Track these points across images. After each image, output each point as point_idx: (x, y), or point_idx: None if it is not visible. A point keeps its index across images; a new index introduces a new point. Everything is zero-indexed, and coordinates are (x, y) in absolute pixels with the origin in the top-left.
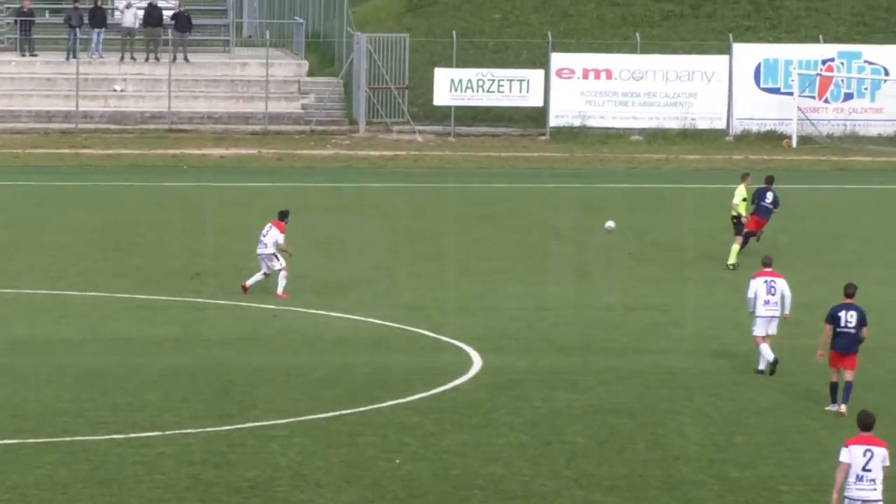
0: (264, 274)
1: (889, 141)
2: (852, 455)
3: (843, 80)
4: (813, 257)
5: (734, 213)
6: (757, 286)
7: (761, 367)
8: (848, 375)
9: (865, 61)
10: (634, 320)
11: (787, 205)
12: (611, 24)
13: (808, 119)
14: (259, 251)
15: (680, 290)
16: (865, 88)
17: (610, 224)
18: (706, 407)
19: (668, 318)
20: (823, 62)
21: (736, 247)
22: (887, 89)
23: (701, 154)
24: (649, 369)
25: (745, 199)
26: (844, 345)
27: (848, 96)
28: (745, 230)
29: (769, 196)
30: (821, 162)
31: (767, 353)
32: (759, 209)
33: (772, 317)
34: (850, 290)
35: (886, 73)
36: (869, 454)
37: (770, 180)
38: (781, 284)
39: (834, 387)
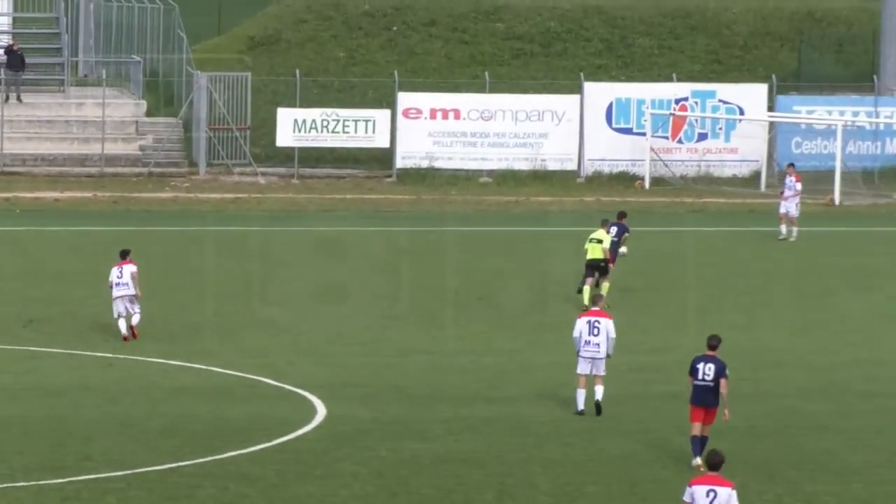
0: (126, 315)
1: (744, 182)
2: (695, 495)
3: (696, 120)
4: (666, 301)
5: (602, 257)
6: (581, 326)
7: (580, 407)
8: (706, 431)
9: (720, 100)
10: (484, 367)
11: (642, 248)
12: (459, 63)
13: (661, 160)
14: (120, 293)
15: (530, 335)
16: (720, 128)
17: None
18: (557, 456)
19: (517, 364)
20: (677, 101)
21: (587, 288)
22: (742, 129)
23: (552, 196)
24: (499, 417)
25: (600, 242)
26: (700, 398)
27: (702, 136)
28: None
29: (613, 230)
30: (675, 204)
31: (580, 399)
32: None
33: (593, 357)
34: (712, 342)
35: (741, 113)
36: (712, 494)
37: (622, 215)
38: (606, 325)
39: (694, 440)
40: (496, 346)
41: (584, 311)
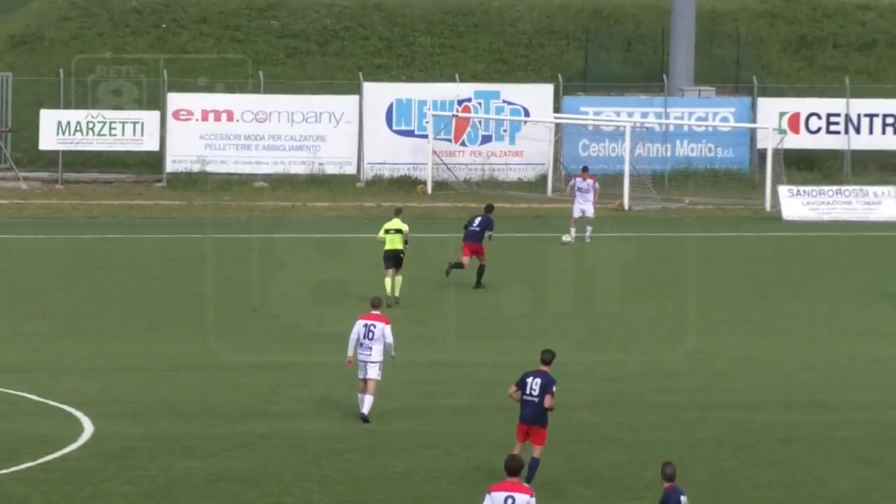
0: None
1: (530, 186)
2: (494, 501)
3: (480, 122)
4: (449, 310)
5: (402, 248)
6: (358, 328)
7: (362, 411)
8: (535, 451)
9: (504, 101)
10: (260, 381)
11: (426, 256)
12: (232, 62)
13: (444, 163)
14: None
15: (308, 346)
16: (504, 130)
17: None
18: (336, 473)
19: (296, 377)
20: (460, 103)
21: (389, 280)
22: (527, 131)
23: (330, 201)
24: (276, 433)
25: (399, 231)
26: (524, 414)
27: (486, 139)
28: (458, 260)
29: (476, 221)
30: (458, 209)
31: (362, 404)
32: (469, 234)
33: (366, 361)
34: (545, 357)
35: (527, 114)
36: (510, 501)
37: (489, 209)
38: (381, 329)
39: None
40: (273, 359)
41: (366, 313)
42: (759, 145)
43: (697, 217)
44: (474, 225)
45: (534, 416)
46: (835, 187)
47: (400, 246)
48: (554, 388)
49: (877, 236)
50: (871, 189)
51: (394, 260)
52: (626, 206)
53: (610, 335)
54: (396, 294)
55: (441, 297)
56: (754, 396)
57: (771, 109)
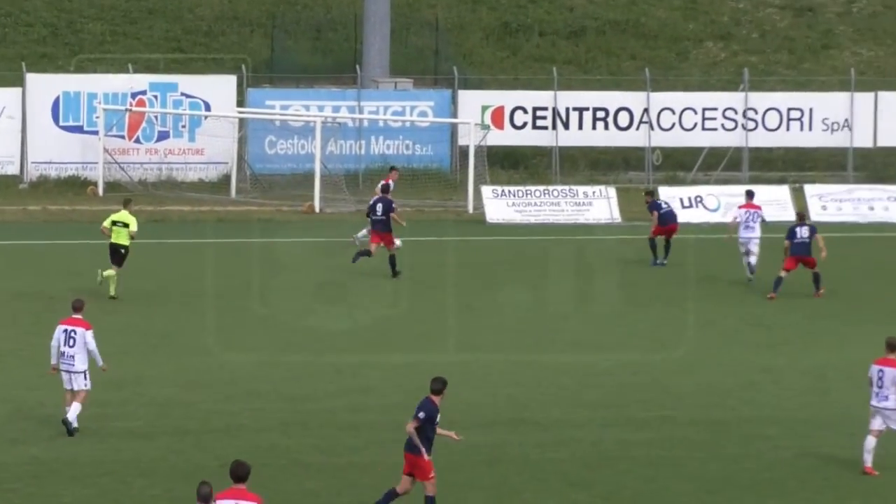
0: None
1: (212, 187)
2: None
3: (156, 117)
4: (118, 323)
5: (127, 242)
6: (58, 334)
7: (65, 417)
8: (425, 489)
9: (183, 94)
10: None
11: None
12: None
13: (116, 162)
14: None
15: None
16: (183, 126)
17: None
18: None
19: None
20: (133, 96)
21: (111, 272)
22: (208, 127)
23: None
24: None
25: (126, 225)
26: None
27: (163, 135)
28: (367, 247)
29: (379, 208)
30: (133, 213)
31: (70, 414)
32: (375, 223)
33: (70, 370)
34: (434, 386)
35: (207, 109)
36: None
37: (385, 189)
38: (82, 335)
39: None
40: None
41: (64, 318)
42: (461, 142)
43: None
44: (378, 213)
45: (407, 444)
46: (542, 187)
47: (124, 241)
48: (420, 414)
49: (588, 240)
50: (580, 189)
51: (115, 255)
52: (318, 209)
53: (300, 349)
54: (112, 293)
55: (120, 309)
56: (457, 415)
57: (473, 103)
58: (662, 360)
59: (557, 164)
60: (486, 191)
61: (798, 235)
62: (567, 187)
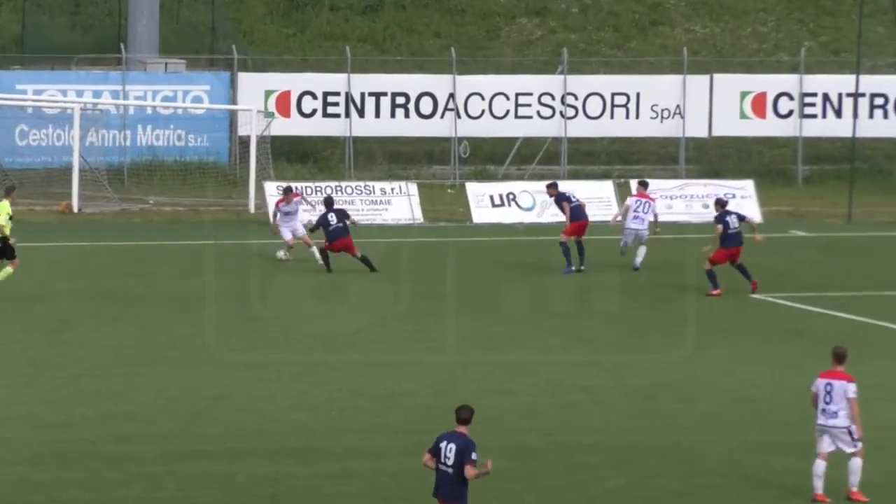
0: None
1: None
2: None
3: None
4: None
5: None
6: None
7: None
8: None
9: None
10: None
11: None
12: None
13: None
14: None
15: None
16: None
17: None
18: None
19: None
20: None
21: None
22: None
23: None
24: None
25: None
26: (439, 488)
27: None
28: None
29: (332, 218)
30: None
31: None
32: (336, 232)
33: None
34: (462, 415)
35: None
36: None
37: (329, 201)
38: None
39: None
40: None
41: None
42: (241, 132)
43: (166, 221)
44: (335, 222)
45: (446, 491)
46: (334, 183)
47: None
48: (474, 456)
49: (388, 242)
50: (377, 185)
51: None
52: (76, 208)
53: (54, 367)
54: None
55: None
56: (236, 443)
57: (255, 87)
58: (469, 379)
59: (351, 157)
60: (270, 187)
61: (731, 225)
62: (363, 183)
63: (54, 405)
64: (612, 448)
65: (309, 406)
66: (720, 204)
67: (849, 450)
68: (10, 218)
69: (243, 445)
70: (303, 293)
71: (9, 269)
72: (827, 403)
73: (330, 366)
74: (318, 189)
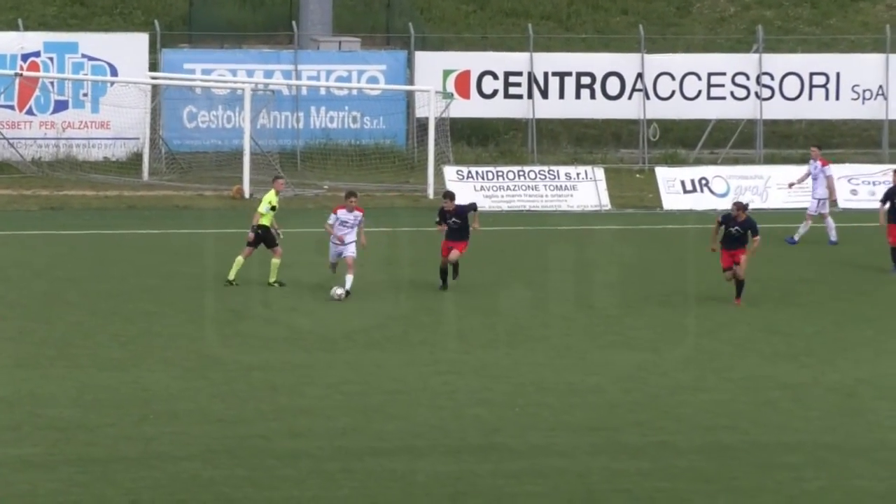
0: None
1: (119, 168)
2: None
3: (53, 83)
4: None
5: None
6: None
7: None
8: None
9: (84, 56)
10: None
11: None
12: None
13: (4, 138)
14: None
15: None
16: (85, 94)
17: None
18: None
19: None
20: (25, 58)
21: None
22: (115, 96)
23: None
24: None
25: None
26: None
27: (61, 105)
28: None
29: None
30: (24, 198)
31: None
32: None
33: None
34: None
35: (114, 73)
36: None
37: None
38: None
39: None
40: None
41: None
42: (419, 114)
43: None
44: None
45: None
46: (516, 168)
47: None
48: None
49: (572, 231)
50: (562, 170)
51: None
52: (248, 194)
53: (225, 361)
54: None
55: (9, 313)
56: (416, 440)
57: (433, 66)
58: (661, 374)
59: (534, 140)
60: (449, 172)
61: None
62: (546, 168)
63: (226, 399)
64: (812, 447)
65: (489, 401)
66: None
67: None
68: (273, 209)
69: (423, 442)
70: (484, 284)
71: (275, 261)
72: None
73: (513, 359)
74: (500, 174)
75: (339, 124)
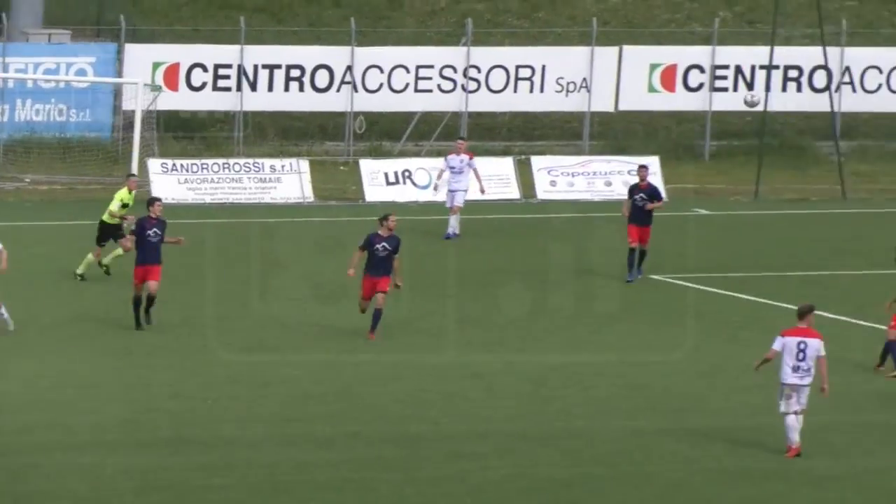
0: None
1: None
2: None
3: None
4: None
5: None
6: None
7: None
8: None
9: None
10: None
11: None
12: None
13: None
14: None
15: None
16: None
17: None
18: None
19: None
20: None
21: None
22: None
23: None
24: None
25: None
26: None
27: None
28: None
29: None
30: None
31: None
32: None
33: None
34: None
35: None
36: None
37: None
38: None
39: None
40: None
41: None
42: (126, 106)
43: (43, 201)
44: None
45: None
46: (221, 160)
47: None
48: None
49: (275, 223)
50: (266, 162)
51: None
52: None
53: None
54: None
55: None
56: (106, 434)
57: (143, 59)
58: (353, 365)
59: (241, 132)
60: (154, 165)
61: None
62: (251, 160)
63: None
64: (500, 436)
65: (180, 394)
66: None
67: (799, 408)
68: (125, 206)
69: (113, 436)
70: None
71: (117, 251)
72: (800, 361)
73: (206, 350)
74: (205, 166)
75: (45, 117)
